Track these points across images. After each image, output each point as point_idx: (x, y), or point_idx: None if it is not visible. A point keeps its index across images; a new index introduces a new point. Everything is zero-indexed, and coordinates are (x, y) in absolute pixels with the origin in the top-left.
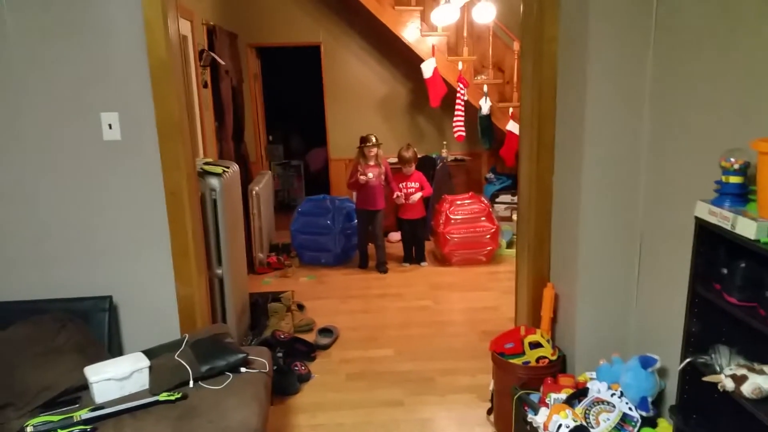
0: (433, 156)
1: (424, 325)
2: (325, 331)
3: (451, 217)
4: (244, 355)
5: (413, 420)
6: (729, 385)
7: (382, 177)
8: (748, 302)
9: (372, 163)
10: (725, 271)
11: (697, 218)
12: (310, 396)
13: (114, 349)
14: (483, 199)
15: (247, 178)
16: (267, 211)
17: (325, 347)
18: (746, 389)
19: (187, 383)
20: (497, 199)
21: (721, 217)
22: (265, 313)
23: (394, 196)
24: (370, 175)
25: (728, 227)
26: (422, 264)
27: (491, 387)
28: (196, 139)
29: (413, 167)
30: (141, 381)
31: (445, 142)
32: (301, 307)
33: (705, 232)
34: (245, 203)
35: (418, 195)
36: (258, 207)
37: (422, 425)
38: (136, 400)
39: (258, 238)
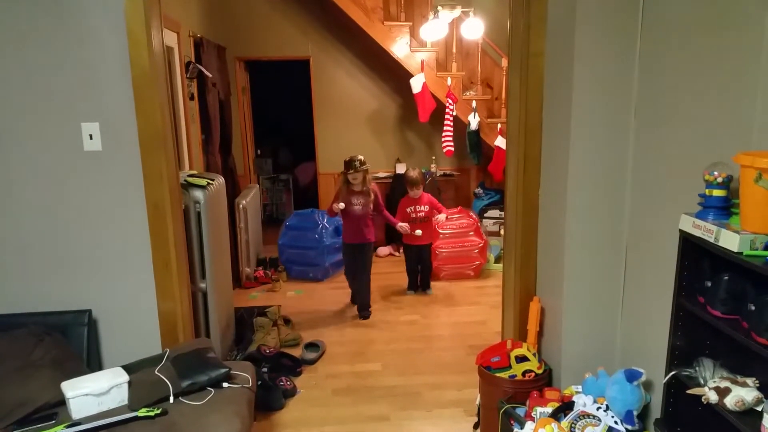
0: (423, 171)
1: (411, 339)
2: (312, 346)
3: (440, 231)
4: (227, 370)
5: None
6: (713, 397)
7: (371, 206)
8: (731, 315)
9: (358, 189)
10: (709, 284)
11: (681, 231)
12: (296, 411)
13: (93, 364)
14: (471, 213)
15: (234, 192)
16: (254, 225)
17: (312, 362)
18: (729, 401)
19: (168, 399)
20: (486, 214)
21: (705, 230)
22: (250, 327)
23: (398, 226)
24: (341, 205)
25: (712, 240)
26: (428, 292)
27: (478, 401)
28: (181, 151)
29: (421, 189)
30: (120, 396)
31: (434, 157)
32: (287, 321)
33: (689, 245)
34: (232, 217)
35: (419, 232)
36: (245, 221)
37: None
38: (114, 416)
39: (245, 252)
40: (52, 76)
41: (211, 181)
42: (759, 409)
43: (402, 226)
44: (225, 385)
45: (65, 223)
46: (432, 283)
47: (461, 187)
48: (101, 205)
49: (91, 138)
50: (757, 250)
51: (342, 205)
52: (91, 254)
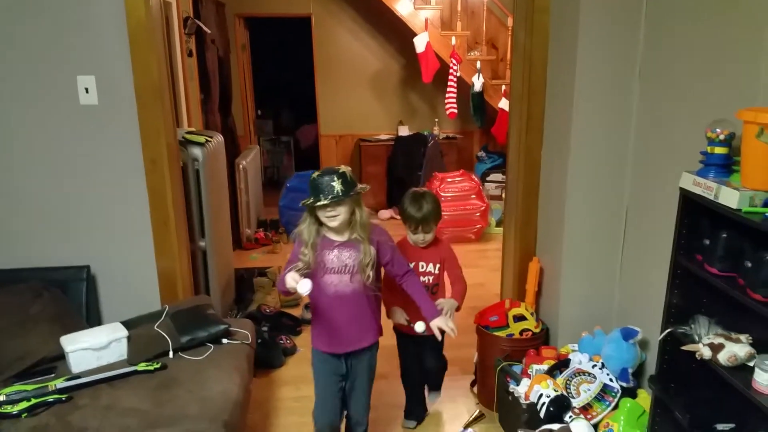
0: (425, 134)
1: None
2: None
3: (442, 194)
4: (226, 326)
5: (398, 392)
6: (706, 353)
7: (368, 273)
8: (728, 272)
9: (338, 239)
10: (707, 242)
11: (681, 189)
12: (295, 369)
13: (92, 319)
14: (474, 177)
15: (234, 153)
16: (254, 186)
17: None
18: (722, 357)
19: (167, 354)
20: (488, 178)
21: (705, 187)
22: (250, 287)
23: (392, 313)
24: (305, 286)
25: (711, 197)
26: (434, 398)
27: (475, 359)
28: (180, 108)
29: (432, 233)
30: (119, 351)
31: (437, 120)
32: None
33: (689, 203)
34: (232, 178)
35: (421, 326)
36: (245, 181)
37: None
38: (113, 370)
39: (245, 213)
40: (47, 26)
41: (209, 139)
42: (751, 364)
43: (397, 313)
44: (224, 341)
45: (61, 179)
46: None
47: (464, 150)
48: (98, 161)
49: (87, 92)
50: (756, 206)
51: (306, 285)
52: (89, 210)
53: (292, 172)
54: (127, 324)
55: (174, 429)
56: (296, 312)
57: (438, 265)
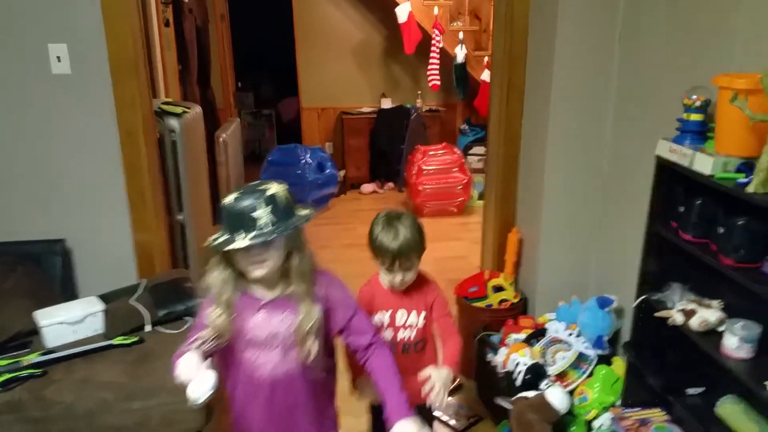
0: (408, 106)
1: None
2: None
3: (424, 167)
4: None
5: None
6: (679, 319)
7: (311, 346)
8: (702, 239)
9: (267, 295)
10: (682, 209)
11: (657, 157)
12: None
13: (68, 294)
14: (456, 149)
15: (214, 126)
16: (235, 160)
17: None
18: (694, 323)
19: (144, 327)
20: (471, 151)
21: (681, 154)
22: None
23: (365, 394)
24: (207, 387)
25: (686, 164)
26: None
27: None
28: (156, 79)
29: (414, 271)
30: (95, 325)
31: (420, 92)
32: None
33: (665, 171)
34: (211, 151)
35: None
36: (225, 155)
37: None
38: (89, 345)
39: (225, 187)
40: None
41: (186, 110)
42: (721, 329)
43: (367, 387)
44: None
45: (34, 150)
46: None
47: (447, 123)
48: (72, 132)
49: (59, 60)
50: (729, 172)
51: (207, 382)
52: (63, 183)
53: (274, 146)
54: (103, 298)
55: (151, 401)
56: None
57: (423, 314)
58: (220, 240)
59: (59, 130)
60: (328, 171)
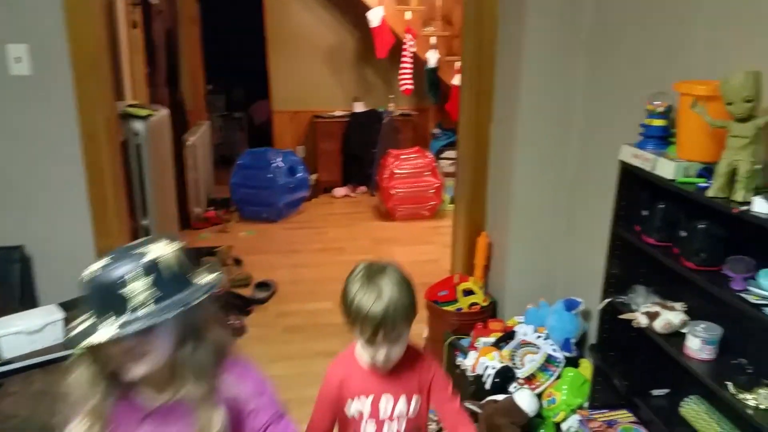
0: (380, 110)
1: None
2: (263, 285)
3: (396, 171)
4: None
5: None
6: (643, 321)
7: None
8: (665, 242)
9: (151, 401)
10: (645, 213)
11: (621, 161)
12: (244, 350)
13: (27, 303)
14: (428, 153)
15: (183, 128)
16: (204, 163)
17: (262, 301)
18: (658, 325)
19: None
20: (443, 155)
21: (643, 159)
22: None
23: None
24: None
25: (649, 169)
26: None
27: (425, 334)
28: (123, 80)
29: (403, 344)
30: (55, 335)
31: (392, 96)
32: (238, 262)
33: (628, 176)
34: (180, 154)
35: None
36: (193, 158)
37: None
38: (48, 355)
39: (194, 191)
40: None
41: (152, 113)
42: (684, 331)
43: None
44: None
45: None
46: (387, 223)
47: (419, 127)
48: (31, 134)
49: (18, 61)
50: (690, 177)
51: None
52: (22, 187)
53: (245, 149)
54: (64, 306)
55: None
56: (247, 292)
57: (416, 399)
58: (79, 330)
59: (18, 132)
60: (299, 175)
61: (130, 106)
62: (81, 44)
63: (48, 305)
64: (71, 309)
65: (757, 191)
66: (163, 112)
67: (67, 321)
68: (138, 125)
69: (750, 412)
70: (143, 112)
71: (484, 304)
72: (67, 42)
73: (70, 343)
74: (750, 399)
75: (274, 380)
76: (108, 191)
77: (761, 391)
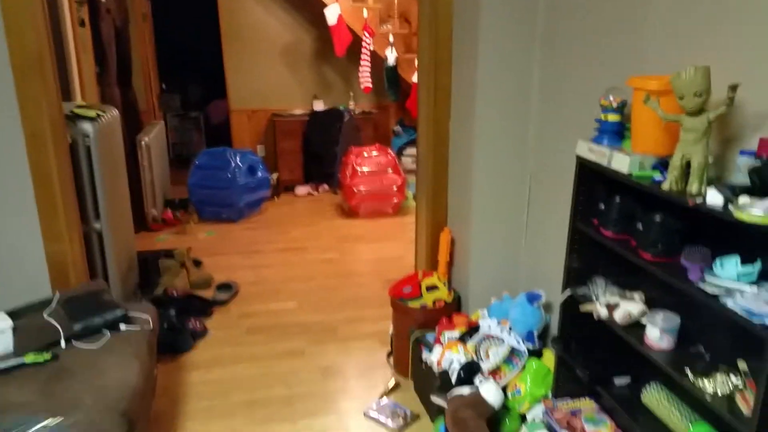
0: (341, 108)
1: (328, 276)
2: (224, 287)
3: (358, 169)
4: (123, 311)
5: (314, 368)
6: (603, 313)
7: None
8: (622, 235)
9: None
10: (602, 206)
11: (578, 157)
12: (206, 352)
13: None
14: (389, 151)
15: (136, 128)
16: (160, 164)
17: (224, 303)
18: (618, 316)
19: (58, 343)
20: (404, 152)
21: (599, 154)
22: (156, 270)
23: None
24: None
25: (605, 163)
26: None
27: (391, 331)
28: (71, 80)
29: None
30: (3, 343)
31: (352, 94)
32: (197, 263)
33: (585, 170)
34: (134, 155)
35: None
36: (148, 159)
37: (323, 372)
38: None
39: (150, 192)
40: None
41: (101, 113)
42: (643, 321)
43: None
44: (122, 327)
45: None
46: (350, 221)
47: (380, 125)
48: None
49: None
50: (645, 170)
51: None
52: None
53: (202, 149)
54: (12, 314)
55: (68, 420)
56: (208, 294)
57: None
58: None
59: None
60: (259, 174)
61: (79, 106)
62: (21, 43)
63: None
64: (20, 316)
65: (710, 183)
66: (114, 113)
67: (15, 329)
68: (87, 126)
69: (708, 398)
70: (92, 113)
71: (448, 299)
72: (5, 40)
73: None
74: (708, 385)
75: (239, 381)
76: (56, 194)
77: (719, 377)
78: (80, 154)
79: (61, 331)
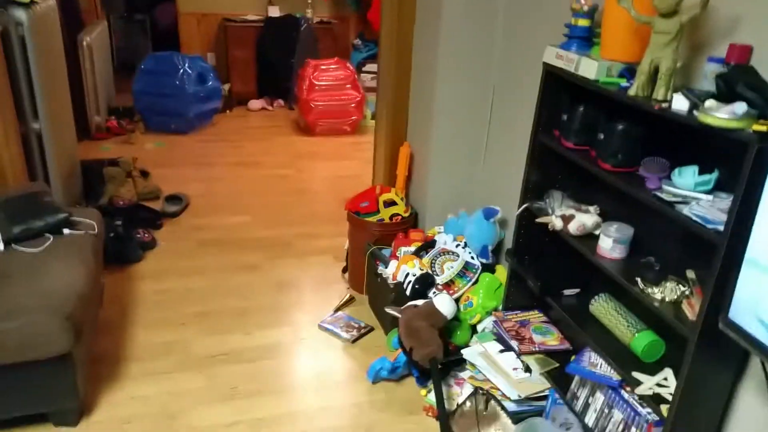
0: (297, 16)
1: (283, 193)
2: (174, 199)
3: (316, 83)
4: (66, 214)
5: (269, 281)
6: (558, 224)
7: None
8: (583, 146)
9: None
10: (565, 117)
11: (544, 64)
12: (156, 263)
13: None
14: (349, 65)
15: (76, 28)
16: (103, 68)
17: (174, 215)
18: (572, 227)
19: None
20: (364, 68)
21: (567, 60)
22: (100, 179)
23: None
24: None
25: (572, 70)
26: None
27: (346, 246)
28: None
29: None
30: None
31: (310, 1)
32: (145, 174)
33: (551, 79)
34: (74, 57)
35: None
36: (91, 61)
37: (278, 286)
38: None
39: (93, 98)
40: None
41: (36, 0)
42: (597, 233)
43: None
44: (66, 231)
45: None
46: (306, 138)
47: (340, 38)
48: None
49: None
50: (612, 77)
51: None
52: None
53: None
54: None
55: (10, 324)
56: (156, 205)
57: None
58: None
59: None
60: (210, 83)
61: None
62: None
63: None
64: None
65: (676, 90)
66: (50, 3)
67: None
68: (20, 13)
69: (656, 304)
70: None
71: (406, 214)
72: None
73: None
74: (657, 293)
75: (191, 292)
76: None
77: (668, 284)
78: (13, 44)
79: (5, 232)
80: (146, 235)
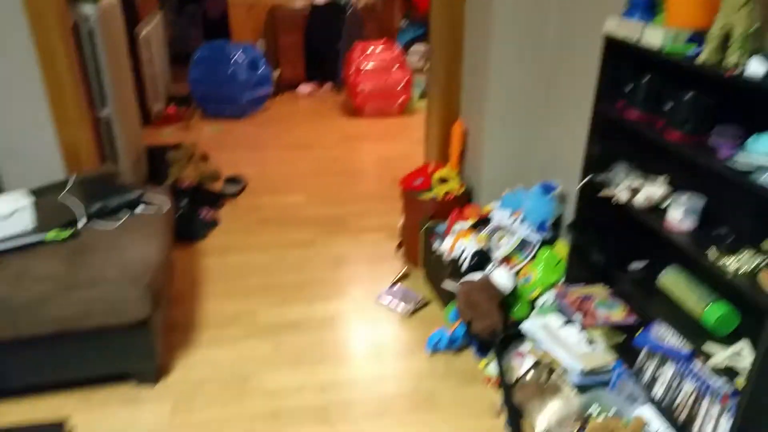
0: (342, 1)
1: (335, 173)
2: (233, 180)
3: (363, 65)
4: (140, 192)
5: (326, 257)
6: (623, 196)
7: None
8: (648, 117)
9: None
10: (629, 87)
11: (606, 34)
12: (218, 240)
13: None
14: (396, 46)
15: (133, 21)
16: (160, 58)
17: (233, 195)
18: (639, 198)
19: (76, 222)
20: (411, 49)
21: (630, 29)
22: (164, 162)
23: None
24: None
25: (636, 39)
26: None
27: (400, 223)
28: None
29: None
30: (24, 222)
31: None
32: (204, 158)
33: (613, 48)
34: (133, 49)
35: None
36: (149, 52)
37: (334, 261)
38: (20, 240)
39: (152, 87)
40: None
41: None
42: (665, 205)
43: None
44: (139, 209)
45: None
46: (355, 120)
47: (385, 20)
48: None
49: None
50: (679, 44)
51: None
52: None
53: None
54: (32, 194)
55: (93, 291)
56: (216, 187)
57: None
58: None
59: None
60: (261, 70)
61: None
62: None
63: (15, 191)
64: (39, 196)
65: (751, 54)
66: None
67: (35, 207)
68: (88, 8)
69: (729, 275)
70: None
71: (459, 191)
72: None
73: None
74: (730, 263)
75: (253, 266)
76: (64, 76)
77: (743, 255)
78: (83, 37)
79: (80, 210)
80: (209, 214)
